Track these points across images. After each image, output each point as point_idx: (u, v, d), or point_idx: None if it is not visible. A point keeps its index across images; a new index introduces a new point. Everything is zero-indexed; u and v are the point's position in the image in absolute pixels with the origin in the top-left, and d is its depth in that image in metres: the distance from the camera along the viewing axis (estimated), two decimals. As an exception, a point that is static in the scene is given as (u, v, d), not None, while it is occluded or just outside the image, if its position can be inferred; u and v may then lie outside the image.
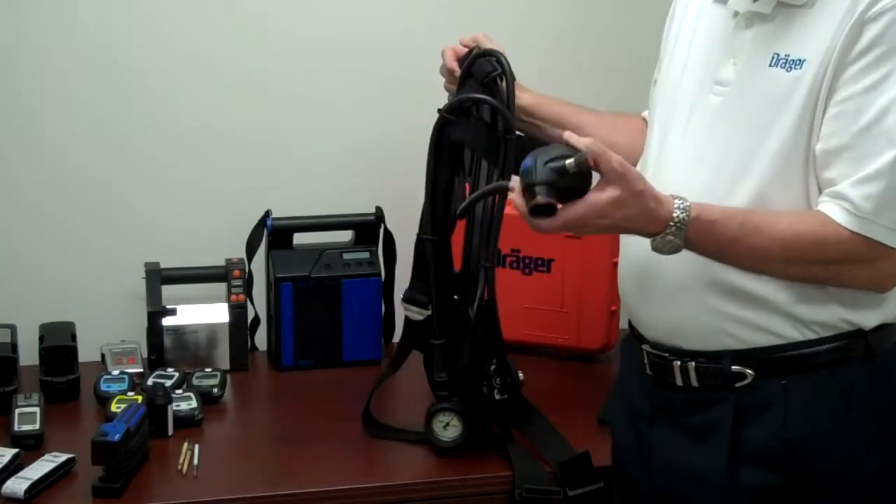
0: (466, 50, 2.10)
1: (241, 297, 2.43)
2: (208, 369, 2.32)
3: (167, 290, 2.40)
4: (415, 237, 2.08)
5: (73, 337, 2.33)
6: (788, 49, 1.70)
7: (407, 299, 2.09)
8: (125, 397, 2.15)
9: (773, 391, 1.73)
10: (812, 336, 1.72)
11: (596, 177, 1.65)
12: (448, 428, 2.05)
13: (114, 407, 2.12)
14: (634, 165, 1.73)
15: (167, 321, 2.38)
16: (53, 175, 2.46)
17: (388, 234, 2.52)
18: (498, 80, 2.01)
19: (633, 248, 1.81)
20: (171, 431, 2.10)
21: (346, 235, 2.51)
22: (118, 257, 2.49)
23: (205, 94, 2.51)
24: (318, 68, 2.55)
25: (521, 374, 2.10)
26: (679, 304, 1.77)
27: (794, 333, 1.72)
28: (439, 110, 2.03)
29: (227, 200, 2.54)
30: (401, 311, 2.14)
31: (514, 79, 2.01)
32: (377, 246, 2.51)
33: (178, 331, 2.39)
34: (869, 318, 1.73)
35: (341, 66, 2.56)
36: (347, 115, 2.57)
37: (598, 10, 2.68)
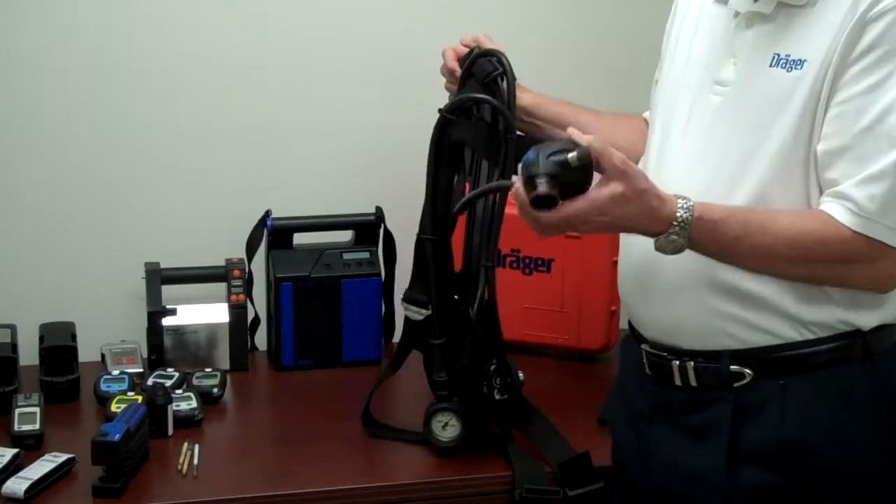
0: (467, 50, 2.11)
1: (241, 297, 2.43)
2: (208, 369, 2.32)
3: (167, 290, 2.39)
4: (415, 237, 2.08)
5: (73, 337, 2.33)
6: (789, 49, 1.70)
7: (407, 299, 2.09)
8: (125, 397, 2.15)
9: (772, 391, 1.73)
10: (811, 336, 1.72)
11: (597, 177, 1.65)
12: (447, 428, 2.05)
13: (114, 407, 2.12)
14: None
15: (167, 321, 2.38)
16: (53, 175, 2.46)
17: (388, 234, 2.51)
18: (499, 79, 2.02)
19: (633, 247, 1.81)
20: (171, 431, 2.10)
21: (346, 235, 2.51)
22: (118, 257, 2.49)
23: (205, 94, 2.50)
24: (318, 68, 2.55)
25: (521, 374, 2.10)
26: (678, 303, 1.77)
27: (792, 334, 1.72)
28: (440, 110, 2.03)
29: (227, 200, 2.54)
30: (401, 311, 2.14)
31: (514, 79, 2.01)
32: (377, 246, 2.51)
33: (178, 331, 2.39)
34: (868, 319, 1.73)
35: (341, 66, 2.56)
36: (347, 115, 2.57)
37: (598, 10, 2.68)
